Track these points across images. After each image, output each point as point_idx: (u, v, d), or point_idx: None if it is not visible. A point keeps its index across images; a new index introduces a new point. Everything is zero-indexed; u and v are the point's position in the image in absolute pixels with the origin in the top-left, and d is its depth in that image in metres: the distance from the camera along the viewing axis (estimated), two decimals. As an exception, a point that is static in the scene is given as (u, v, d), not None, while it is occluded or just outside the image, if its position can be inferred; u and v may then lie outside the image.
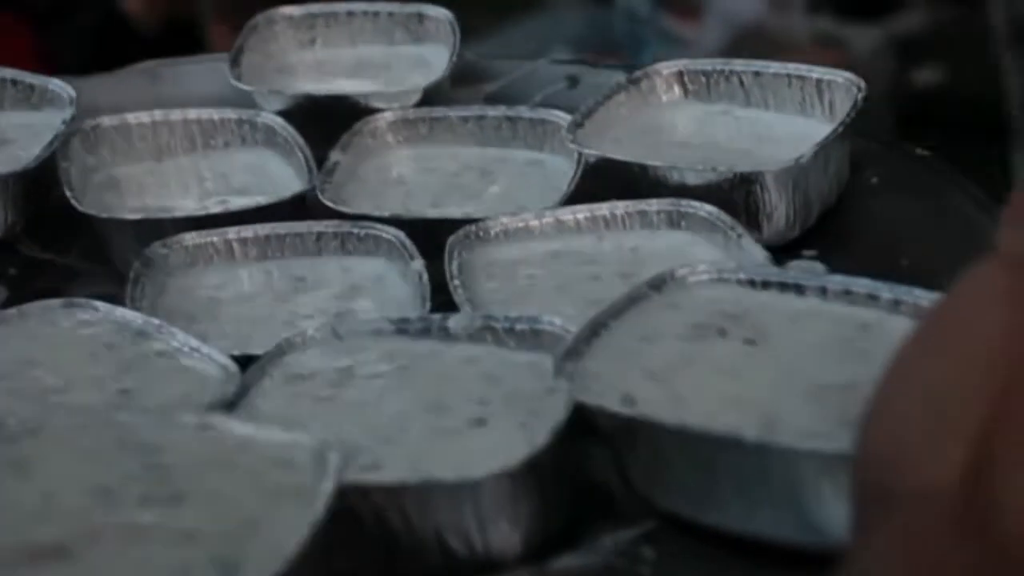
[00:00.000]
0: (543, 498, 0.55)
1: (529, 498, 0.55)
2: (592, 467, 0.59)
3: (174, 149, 0.90)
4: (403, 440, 0.58)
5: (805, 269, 0.71)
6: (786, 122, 0.82)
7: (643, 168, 0.77)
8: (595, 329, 0.59)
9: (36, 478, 0.53)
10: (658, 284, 0.63)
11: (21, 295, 0.79)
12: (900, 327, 0.57)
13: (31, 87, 0.91)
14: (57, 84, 0.90)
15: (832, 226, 0.78)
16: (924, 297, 0.58)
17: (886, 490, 0.41)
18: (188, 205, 0.85)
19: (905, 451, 0.41)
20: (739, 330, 0.59)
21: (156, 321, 0.68)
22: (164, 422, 0.55)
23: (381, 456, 0.57)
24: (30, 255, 0.84)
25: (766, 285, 0.62)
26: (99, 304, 0.70)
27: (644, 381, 0.56)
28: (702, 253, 0.72)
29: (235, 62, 0.96)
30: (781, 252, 0.75)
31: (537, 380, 0.60)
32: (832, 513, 0.50)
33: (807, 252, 0.76)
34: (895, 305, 0.59)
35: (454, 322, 0.65)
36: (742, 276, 0.63)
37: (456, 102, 0.94)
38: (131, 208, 0.84)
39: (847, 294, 0.61)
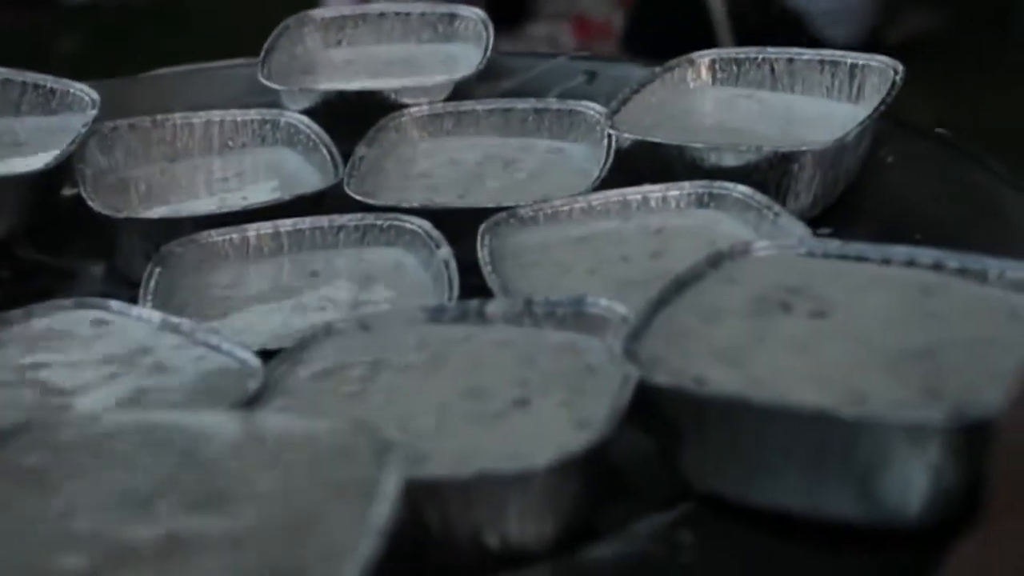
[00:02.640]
0: (588, 487, 0.48)
1: (577, 487, 0.48)
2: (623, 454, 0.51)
3: (191, 151, 0.83)
4: (444, 429, 0.50)
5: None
6: (811, 104, 0.76)
7: (679, 150, 0.70)
8: (653, 310, 0.52)
9: (59, 491, 0.44)
10: (715, 261, 0.56)
11: (15, 297, 0.71)
12: (965, 288, 0.50)
13: (52, 91, 0.84)
14: (79, 88, 0.84)
15: (847, 204, 0.72)
16: (994, 265, 0.51)
17: None
18: (200, 205, 0.78)
19: None
20: (803, 303, 0.52)
21: (174, 319, 0.61)
22: (196, 419, 0.47)
23: (424, 448, 0.49)
24: (25, 257, 0.77)
25: (826, 256, 0.55)
26: (113, 303, 0.63)
27: (713, 361, 0.48)
28: (730, 230, 0.65)
29: (263, 63, 0.89)
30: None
31: (573, 358, 0.53)
32: (906, 489, 0.43)
33: (822, 230, 0.69)
34: (961, 272, 0.52)
35: (493, 307, 0.58)
36: (802, 249, 0.56)
37: (475, 97, 0.88)
38: (139, 211, 0.77)
39: (910, 264, 0.53)
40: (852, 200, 0.73)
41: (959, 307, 0.49)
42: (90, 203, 0.74)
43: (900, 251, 0.54)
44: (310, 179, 0.79)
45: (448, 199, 0.75)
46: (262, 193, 0.78)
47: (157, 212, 0.77)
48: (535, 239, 0.68)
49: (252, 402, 0.54)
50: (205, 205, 0.78)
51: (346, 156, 0.78)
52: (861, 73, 0.75)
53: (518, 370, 0.54)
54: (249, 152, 0.83)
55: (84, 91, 0.83)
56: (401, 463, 0.42)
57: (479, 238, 0.66)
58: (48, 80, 0.84)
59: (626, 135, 0.72)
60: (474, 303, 0.59)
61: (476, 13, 0.92)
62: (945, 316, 0.49)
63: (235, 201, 0.77)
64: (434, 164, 0.80)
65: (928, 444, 0.42)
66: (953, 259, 0.53)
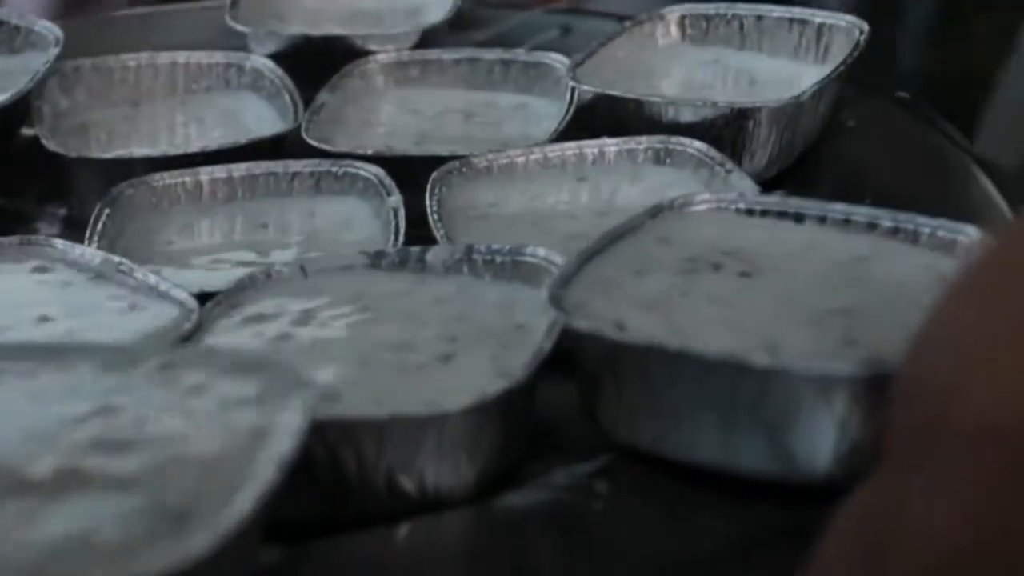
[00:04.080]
0: (506, 434, 0.49)
1: (493, 433, 0.48)
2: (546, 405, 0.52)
3: (154, 94, 0.83)
4: (364, 376, 0.51)
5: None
6: (775, 67, 0.76)
7: (638, 104, 0.71)
8: (585, 260, 0.52)
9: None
10: (654, 213, 0.56)
11: None
12: (898, 255, 0.51)
13: (16, 29, 0.84)
14: (44, 26, 0.84)
15: (803, 166, 0.72)
16: (925, 224, 0.51)
17: (936, 425, 0.35)
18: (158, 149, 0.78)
19: (967, 385, 0.34)
20: (734, 263, 0.52)
21: (115, 259, 0.61)
22: (115, 363, 0.47)
23: (340, 392, 0.50)
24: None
25: (764, 214, 0.56)
26: (58, 242, 0.63)
27: (637, 310, 0.49)
28: (684, 191, 0.65)
29: (233, 4, 0.89)
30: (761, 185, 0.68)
31: (507, 316, 0.54)
32: (815, 441, 0.44)
33: (777, 192, 0.69)
34: (894, 232, 0.53)
35: (433, 254, 0.59)
36: (742, 204, 0.56)
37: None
38: (97, 152, 0.77)
39: (846, 223, 0.54)
40: (809, 162, 0.73)
41: (887, 272, 0.49)
42: (44, 142, 0.74)
43: (837, 208, 0.54)
44: (272, 125, 0.79)
45: (405, 147, 0.75)
46: (222, 139, 0.79)
47: (113, 154, 0.78)
48: (485, 191, 0.68)
49: (184, 342, 0.54)
50: (163, 150, 0.79)
51: (310, 103, 0.79)
52: (828, 32, 0.75)
53: (450, 326, 0.54)
54: (212, 96, 0.84)
55: (48, 28, 0.83)
56: (311, 404, 0.43)
57: (428, 187, 0.67)
58: (12, 17, 0.84)
59: (585, 87, 0.73)
60: (415, 250, 0.59)
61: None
62: (872, 281, 0.49)
63: (194, 145, 0.78)
64: (395, 113, 0.80)
65: (836, 394, 0.42)
66: (887, 218, 0.53)
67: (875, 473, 0.37)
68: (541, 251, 0.56)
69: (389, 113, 0.80)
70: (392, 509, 0.48)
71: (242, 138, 0.76)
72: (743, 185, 0.64)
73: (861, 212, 0.54)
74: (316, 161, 0.72)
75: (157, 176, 0.71)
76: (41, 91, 0.79)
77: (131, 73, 0.83)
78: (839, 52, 0.74)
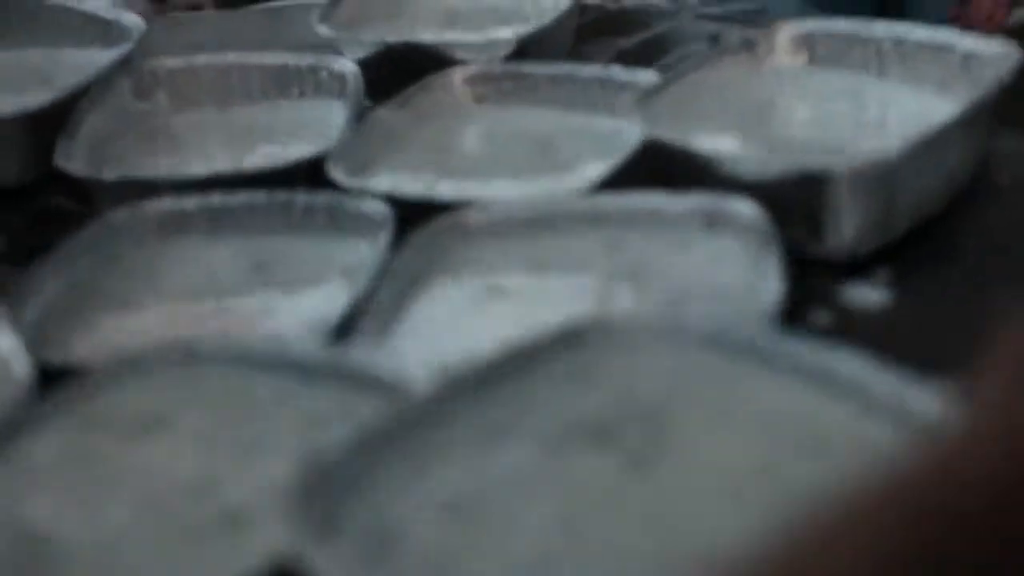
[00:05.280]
0: None
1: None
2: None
3: (241, 96, 0.77)
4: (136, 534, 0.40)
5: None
6: (914, 98, 0.59)
7: (685, 153, 0.56)
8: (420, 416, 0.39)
9: None
10: (570, 338, 0.42)
11: (19, 247, 0.69)
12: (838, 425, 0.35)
13: (106, 23, 0.80)
14: (130, 19, 0.79)
15: (930, 239, 0.55)
16: (919, 406, 0.35)
17: None
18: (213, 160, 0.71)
19: None
20: (634, 434, 0.37)
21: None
22: None
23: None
24: (47, 204, 0.72)
25: (723, 348, 0.40)
26: None
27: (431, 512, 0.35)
28: (716, 274, 0.51)
29: (336, 2, 0.81)
30: (847, 269, 0.54)
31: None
32: None
33: (879, 271, 0.53)
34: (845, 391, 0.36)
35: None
36: (695, 330, 0.41)
37: (582, 58, 0.76)
38: (158, 163, 0.71)
39: (827, 380, 0.38)
40: (938, 233, 0.55)
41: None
42: (60, 157, 0.68)
43: (818, 362, 0.38)
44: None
45: (447, 185, 0.64)
46: (285, 150, 0.71)
47: (164, 166, 0.71)
48: (482, 253, 0.56)
49: None
50: (220, 160, 0.72)
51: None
52: (976, 63, 0.57)
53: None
54: (298, 102, 0.76)
55: (134, 23, 0.79)
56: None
57: (408, 246, 0.56)
58: (101, 10, 0.80)
59: (639, 128, 0.58)
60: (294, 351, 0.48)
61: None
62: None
63: (257, 156, 0.70)
64: (462, 136, 0.69)
65: None
66: (847, 362, 0.37)
67: None
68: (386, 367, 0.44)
69: (458, 137, 0.69)
70: None
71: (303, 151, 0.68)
72: (769, 283, 0.48)
73: (849, 367, 0.37)
74: (334, 195, 0.63)
75: (160, 203, 0.64)
76: (103, 94, 0.74)
77: (211, 73, 0.77)
78: (983, 86, 0.56)
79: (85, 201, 0.70)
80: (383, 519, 0.35)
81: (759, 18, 0.80)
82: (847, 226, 0.53)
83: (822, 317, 0.52)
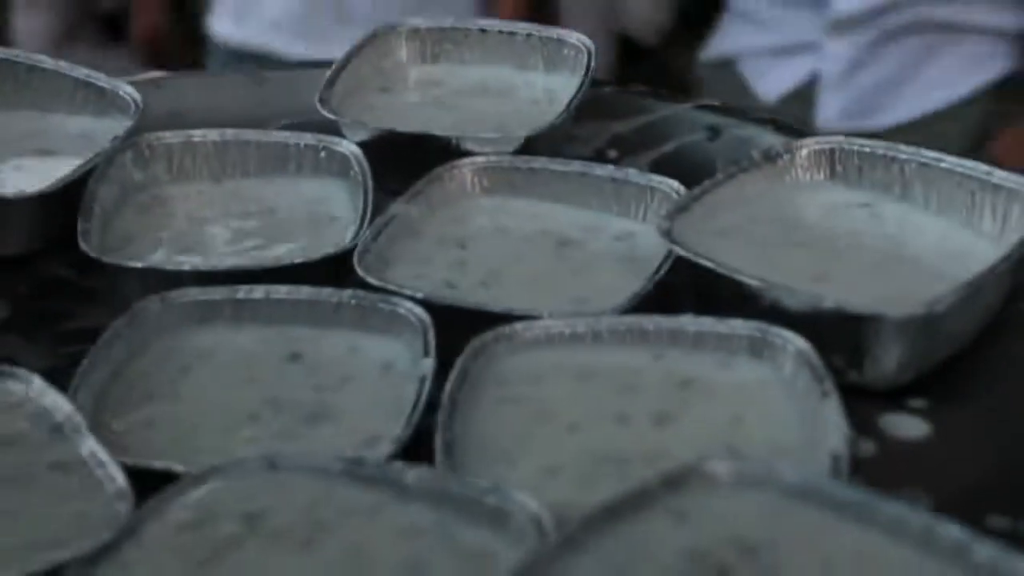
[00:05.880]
0: None
1: None
2: None
3: (237, 171, 0.76)
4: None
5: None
6: (939, 229, 0.61)
7: (735, 283, 0.58)
8: (562, 547, 0.41)
9: None
10: (675, 481, 0.44)
11: (22, 316, 0.68)
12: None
13: (101, 91, 0.79)
14: (127, 91, 0.78)
15: (959, 371, 0.58)
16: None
17: None
18: (218, 244, 0.71)
19: None
20: (747, 570, 0.40)
21: (78, 419, 0.54)
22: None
23: None
24: (49, 273, 0.72)
25: (821, 501, 0.43)
26: (36, 381, 0.57)
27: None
28: (769, 405, 0.53)
29: (332, 79, 0.81)
30: (882, 398, 0.56)
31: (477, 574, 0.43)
32: None
33: (914, 403, 0.56)
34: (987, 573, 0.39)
35: (413, 477, 0.49)
36: (791, 481, 0.43)
37: (576, 141, 0.78)
38: (158, 238, 0.71)
39: (925, 541, 0.40)
40: (969, 362, 0.58)
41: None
42: (81, 238, 0.68)
43: (917, 520, 0.41)
44: (347, 226, 0.71)
45: (470, 284, 0.65)
46: (287, 241, 0.71)
47: (167, 246, 0.71)
48: (532, 363, 0.57)
49: (98, 555, 0.46)
50: (223, 245, 0.71)
51: (400, 194, 0.70)
52: (1008, 198, 0.60)
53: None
54: (299, 180, 0.76)
55: (129, 94, 0.78)
56: None
57: (461, 358, 0.57)
58: (100, 79, 0.79)
59: (677, 248, 0.60)
60: (396, 467, 0.49)
61: (582, 41, 0.81)
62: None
63: (255, 247, 0.70)
64: (478, 230, 0.70)
65: None
66: (983, 551, 0.39)
67: None
68: (532, 507, 0.45)
69: (472, 229, 0.70)
70: None
71: (314, 238, 0.69)
72: (833, 424, 0.50)
73: (947, 534, 0.40)
74: (362, 294, 0.63)
75: (191, 291, 0.64)
76: (106, 170, 0.73)
77: (211, 149, 0.77)
78: (1019, 227, 0.59)
79: (83, 269, 0.70)
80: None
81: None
82: (889, 361, 0.55)
83: (867, 447, 0.54)
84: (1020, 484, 0.53)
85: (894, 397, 0.57)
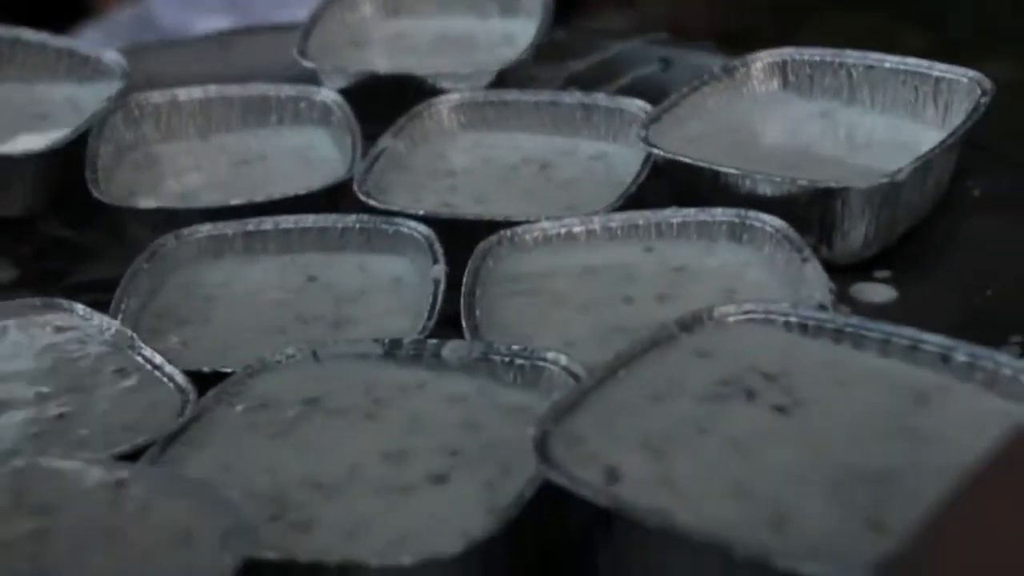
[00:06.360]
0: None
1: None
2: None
3: (222, 126, 0.81)
4: (345, 497, 0.47)
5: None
6: (891, 127, 0.68)
7: (714, 174, 0.64)
8: (600, 379, 0.47)
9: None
10: (690, 324, 0.50)
11: (29, 275, 0.73)
12: (965, 402, 0.44)
13: (85, 59, 0.83)
14: (112, 57, 0.82)
15: (915, 244, 0.65)
16: (1007, 364, 0.44)
17: None
18: (215, 190, 0.75)
19: None
20: (771, 392, 0.46)
21: (128, 333, 0.59)
22: (64, 478, 0.45)
23: (317, 514, 0.46)
24: (48, 233, 0.76)
25: (819, 332, 0.49)
26: (79, 307, 0.61)
27: (636, 451, 0.43)
28: (755, 277, 0.59)
29: (306, 33, 0.86)
30: (850, 272, 0.63)
31: (519, 427, 0.49)
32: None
33: (880, 273, 0.63)
34: (969, 369, 0.45)
35: (449, 350, 0.54)
36: (793, 319, 0.50)
37: (536, 82, 0.83)
38: (159, 190, 0.75)
39: (913, 350, 0.47)
40: (921, 240, 0.65)
41: (949, 422, 0.42)
42: (91, 187, 0.73)
43: (905, 334, 0.48)
44: (336, 167, 0.76)
45: (465, 204, 0.71)
46: (282, 179, 0.76)
47: (168, 197, 0.75)
48: (538, 263, 0.63)
49: (173, 437, 0.51)
50: (221, 190, 0.76)
51: (379, 138, 0.75)
52: (948, 89, 0.68)
53: (454, 435, 0.50)
54: (282, 130, 0.81)
55: (115, 60, 0.82)
56: (244, 547, 0.39)
57: (471, 260, 0.62)
58: (81, 46, 0.83)
59: (658, 151, 0.67)
60: (432, 344, 0.55)
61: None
62: (927, 435, 0.42)
63: (251, 188, 0.75)
64: (464, 161, 0.75)
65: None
66: (963, 351, 0.46)
67: None
68: (563, 359, 0.51)
69: (459, 161, 0.75)
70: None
71: (306, 180, 0.73)
72: (816, 282, 0.57)
73: (932, 342, 0.47)
74: (367, 217, 0.68)
75: (203, 228, 0.68)
76: (102, 129, 0.77)
77: (197, 106, 0.81)
78: (961, 112, 0.66)
79: (81, 229, 0.75)
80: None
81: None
82: (856, 235, 0.62)
83: (843, 312, 0.61)
84: (976, 336, 0.61)
85: (862, 269, 0.63)
